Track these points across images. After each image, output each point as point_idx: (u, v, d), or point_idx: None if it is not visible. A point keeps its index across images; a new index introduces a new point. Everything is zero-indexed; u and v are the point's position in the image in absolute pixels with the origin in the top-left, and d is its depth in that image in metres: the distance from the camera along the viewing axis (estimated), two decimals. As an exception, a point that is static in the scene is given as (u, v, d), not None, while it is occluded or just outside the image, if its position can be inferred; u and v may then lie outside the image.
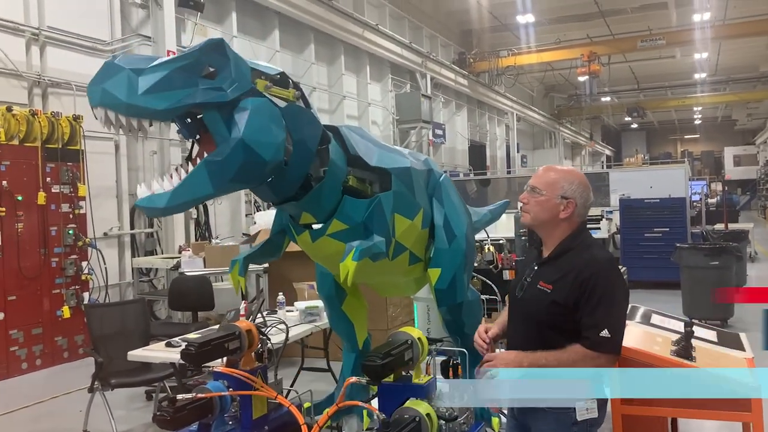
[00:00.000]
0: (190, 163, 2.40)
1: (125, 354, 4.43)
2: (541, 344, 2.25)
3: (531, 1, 16.55)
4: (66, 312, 6.61)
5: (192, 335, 4.34)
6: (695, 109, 34.48)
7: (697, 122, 40.06)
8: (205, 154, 2.36)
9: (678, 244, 7.67)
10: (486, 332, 2.46)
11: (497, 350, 2.46)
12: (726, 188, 14.24)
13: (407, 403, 2.47)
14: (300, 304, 4.72)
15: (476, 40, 19.84)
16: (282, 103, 2.53)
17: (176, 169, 2.37)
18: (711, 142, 42.43)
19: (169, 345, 4.01)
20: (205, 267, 6.16)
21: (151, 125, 2.31)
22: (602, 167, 32.54)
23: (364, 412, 3.68)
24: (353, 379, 2.46)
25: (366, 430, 3.71)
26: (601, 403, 2.33)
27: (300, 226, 2.89)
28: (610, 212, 11.04)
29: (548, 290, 2.25)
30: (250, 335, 2.92)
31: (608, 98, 28.92)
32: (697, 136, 43.40)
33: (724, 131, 41.41)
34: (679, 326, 3.12)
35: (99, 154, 7.75)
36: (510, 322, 2.47)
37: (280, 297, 4.87)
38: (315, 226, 2.89)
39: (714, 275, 7.09)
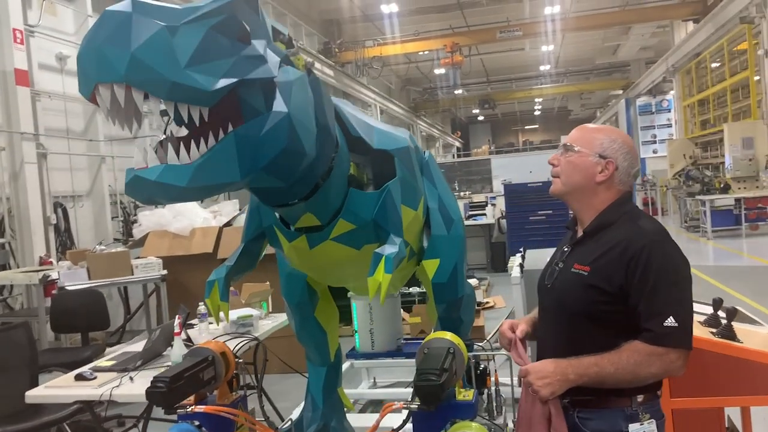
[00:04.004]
0: (170, 144, 1.68)
1: (8, 394, 3.56)
2: (580, 343, 1.80)
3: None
4: None
5: (103, 362, 3.53)
6: (536, 100, 36.72)
7: (537, 113, 42.75)
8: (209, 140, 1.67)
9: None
10: (512, 330, 1.99)
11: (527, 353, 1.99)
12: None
13: (455, 428, 2.00)
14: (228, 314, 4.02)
15: (338, 29, 19.45)
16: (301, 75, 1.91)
17: (176, 143, 1.68)
18: (549, 132, 45.48)
19: (80, 378, 3.18)
20: (90, 279, 5.19)
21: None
22: (453, 157, 33.82)
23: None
24: (395, 405, 1.94)
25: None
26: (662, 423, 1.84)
27: (292, 230, 2.29)
28: (494, 198, 11.18)
29: (585, 273, 1.80)
30: (225, 359, 2.31)
31: (460, 91, 29.91)
32: (536, 126, 46.38)
33: (560, 121, 44.58)
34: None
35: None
36: (540, 321, 2.00)
37: (201, 308, 4.14)
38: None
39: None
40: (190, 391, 2.13)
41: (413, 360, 4.57)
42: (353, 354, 4.65)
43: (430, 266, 2.71)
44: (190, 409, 2.06)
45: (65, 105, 8.39)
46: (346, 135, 2.29)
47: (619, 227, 1.82)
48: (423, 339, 5.23)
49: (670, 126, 23.27)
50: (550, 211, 10.43)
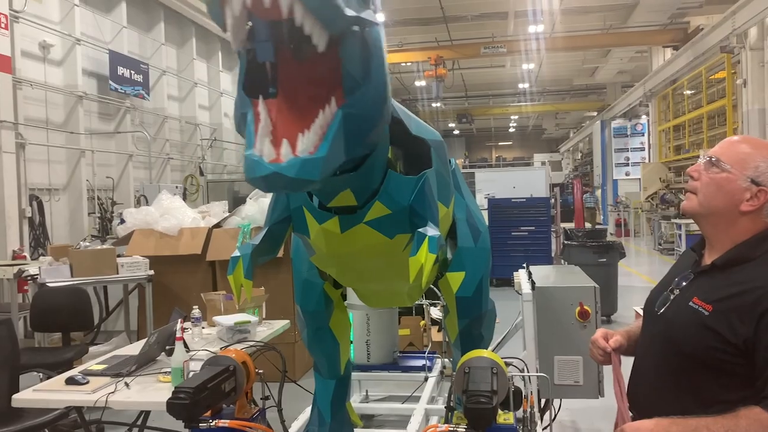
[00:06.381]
0: (264, 104, 1.54)
1: (-12, 396, 3.34)
2: (682, 383, 1.61)
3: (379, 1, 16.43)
4: None
5: (93, 365, 3.34)
6: (512, 117, 37.05)
7: (512, 130, 43.15)
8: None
9: (566, 242, 7.80)
10: (606, 339, 1.82)
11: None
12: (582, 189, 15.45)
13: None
14: (224, 319, 3.87)
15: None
16: None
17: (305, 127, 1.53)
18: (522, 149, 45.99)
19: (71, 382, 2.99)
20: (73, 276, 4.96)
21: None
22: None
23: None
24: (440, 427, 1.83)
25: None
26: None
27: (324, 211, 2.11)
28: (476, 212, 11.15)
29: (705, 311, 1.55)
30: (246, 369, 2.18)
31: (438, 104, 30.03)
32: (510, 143, 46.81)
33: (533, 139, 45.19)
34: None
35: None
36: (643, 346, 1.79)
37: (195, 311, 3.98)
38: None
39: (602, 272, 7.26)
40: (212, 404, 2.00)
41: (409, 374, 4.47)
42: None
43: (455, 279, 2.61)
44: (213, 423, 1.91)
45: (46, 95, 8.12)
46: None
47: (757, 267, 1.56)
48: (415, 353, 5.13)
49: (643, 149, 23.63)
50: (533, 228, 10.46)
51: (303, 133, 1.49)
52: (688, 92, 17.62)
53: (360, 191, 2.02)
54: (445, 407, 2.00)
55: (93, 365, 3.32)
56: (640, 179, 19.85)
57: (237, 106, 1.61)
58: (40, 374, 4.12)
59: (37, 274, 5.05)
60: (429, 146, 2.27)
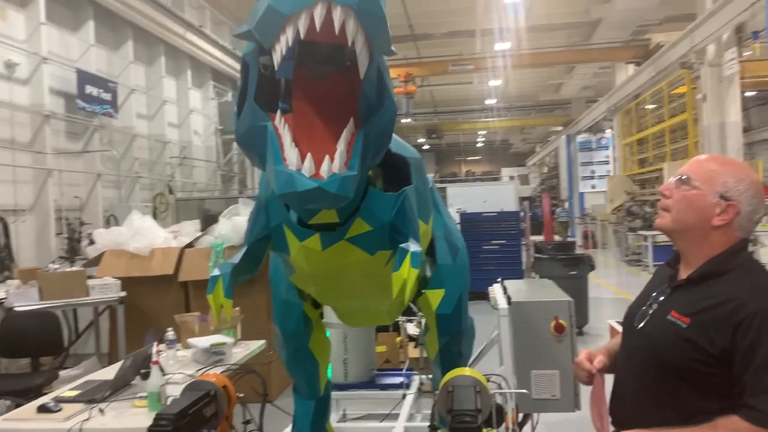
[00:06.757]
0: (282, 118, 1.62)
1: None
2: (663, 396, 1.64)
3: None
4: None
5: (66, 391, 3.26)
6: (480, 132, 37.50)
7: (480, 145, 43.64)
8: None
9: (536, 255, 7.89)
10: (590, 360, 1.85)
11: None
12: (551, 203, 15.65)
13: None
14: (199, 341, 3.82)
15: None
16: None
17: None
18: (490, 164, 46.52)
19: (43, 410, 2.92)
20: (41, 299, 4.85)
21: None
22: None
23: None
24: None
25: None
26: None
27: (305, 228, 2.09)
28: (448, 227, 11.23)
29: (683, 324, 1.60)
30: (227, 393, 2.16)
31: (408, 120, 30.27)
32: (479, 157, 47.32)
33: (501, 153, 45.74)
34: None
35: None
36: (623, 360, 1.81)
37: (170, 333, 3.92)
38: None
39: (572, 284, 7.35)
40: (193, 430, 1.97)
41: (387, 392, 4.47)
42: (324, 384, 4.48)
43: (435, 296, 2.62)
44: (195, 449, 1.89)
45: (12, 114, 7.97)
46: None
47: (730, 280, 1.62)
48: (392, 370, 5.12)
49: (608, 163, 24.07)
50: (504, 241, 10.56)
51: (337, 150, 1.55)
52: (651, 107, 18.06)
53: (342, 208, 1.99)
54: (429, 426, 2.01)
55: (66, 391, 3.23)
56: (605, 192, 20.19)
57: (246, 118, 1.65)
58: (8, 402, 4.02)
59: (3, 298, 4.93)
60: (408, 164, 2.29)
